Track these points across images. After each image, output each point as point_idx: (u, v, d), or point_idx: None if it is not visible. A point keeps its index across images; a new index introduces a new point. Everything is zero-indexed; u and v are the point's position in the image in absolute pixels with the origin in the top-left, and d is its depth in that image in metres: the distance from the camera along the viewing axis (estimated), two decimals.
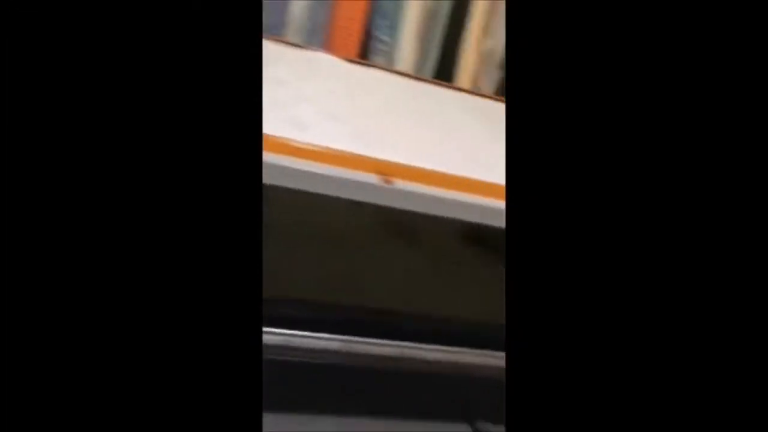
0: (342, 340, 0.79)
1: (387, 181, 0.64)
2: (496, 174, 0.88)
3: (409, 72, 1.60)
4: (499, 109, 1.37)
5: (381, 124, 0.89)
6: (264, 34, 0.48)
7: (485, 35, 1.69)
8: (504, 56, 1.54)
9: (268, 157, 0.54)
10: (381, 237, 1.13)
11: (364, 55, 1.67)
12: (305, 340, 0.77)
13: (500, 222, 0.77)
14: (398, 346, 0.80)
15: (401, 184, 0.64)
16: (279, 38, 1.34)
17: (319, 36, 1.62)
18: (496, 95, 1.56)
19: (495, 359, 0.84)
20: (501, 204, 0.75)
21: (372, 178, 0.64)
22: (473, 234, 1.25)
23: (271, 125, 0.57)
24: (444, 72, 1.69)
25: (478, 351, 0.83)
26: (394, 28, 1.62)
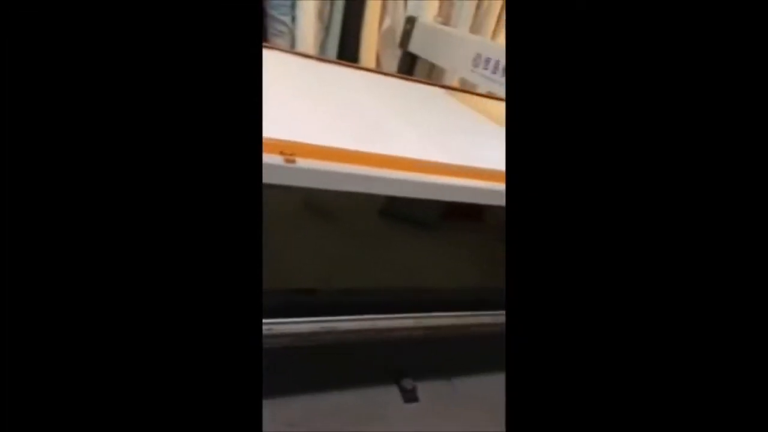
0: (264, 324, 0.78)
1: (289, 161, 0.63)
2: (401, 148, 0.91)
3: (312, 53, 1.57)
4: (400, 86, 1.40)
5: (285, 106, 0.87)
6: None
7: (384, 14, 1.71)
8: (402, 34, 1.56)
9: None
10: (299, 219, 1.12)
11: (264, 37, 1.60)
12: None
13: (410, 193, 0.80)
14: (316, 321, 0.81)
15: (305, 162, 0.64)
16: None
17: None
18: (397, 73, 1.59)
19: (413, 320, 0.88)
20: (409, 176, 0.77)
21: (278, 159, 0.63)
22: (386, 207, 1.28)
23: None
24: (347, 52, 1.68)
25: (397, 315, 0.86)
26: (293, 7, 1.57)
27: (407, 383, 0.89)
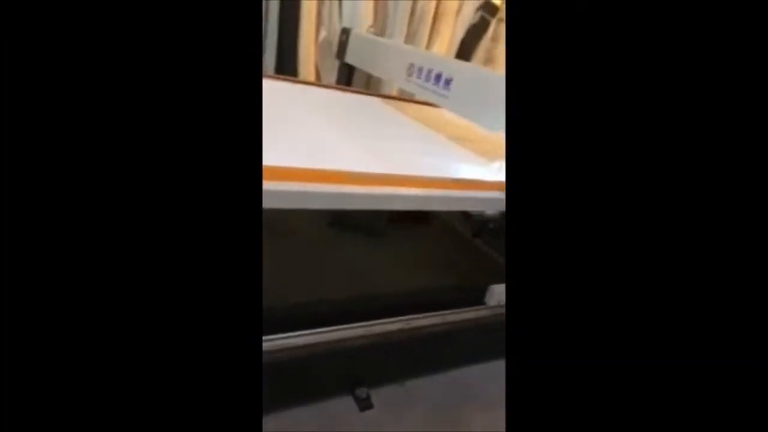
0: None
1: None
2: (341, 162, 0.91)
3: None
4: (339, 98, 1.40)
5: None
6: None
7: (320, 25, 1.71)
8: (338, 45, 1.57)
9: None
10: None
11: None
12: None
13: (354, 205, 0.80)
14: (267, 340, 0.80)
15: None
16: None
17: None
18: (336, 84, 1.60)
19: (363, 329, 0.88)
20: (351, 189, 0.77)
21: None
22: (335, 217, 1.29)
23: None
24: (285, 66, 1.67)
25: (347, 326, 0.87)
26: None
27: (361, 392, 0.89)
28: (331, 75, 1.70)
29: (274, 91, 1.25)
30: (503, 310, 1.04)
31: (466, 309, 1.01)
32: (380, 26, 1.75)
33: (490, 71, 1.60)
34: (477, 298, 1.04)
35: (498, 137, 1.01)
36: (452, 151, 1.16)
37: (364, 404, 0.89)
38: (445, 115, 1.45)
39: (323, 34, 1.69)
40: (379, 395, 0.91)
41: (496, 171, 0.99)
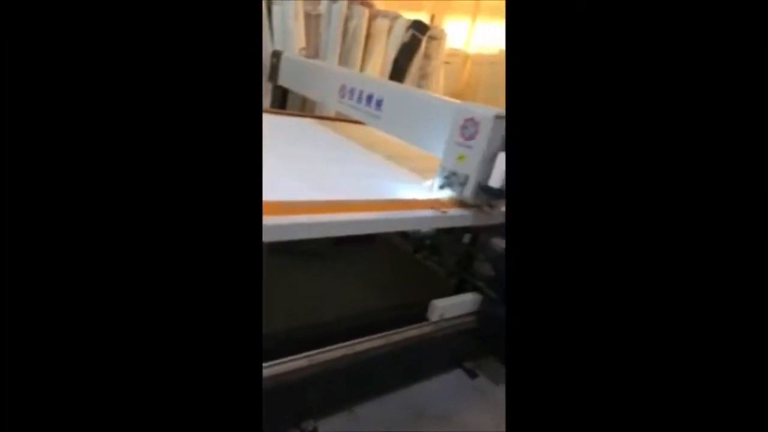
0: None
1: None
2: (283, 191, 0.89)
3: None
4: (273, 121, 1.37)
5: None
6: None
7: None
8: (270, 68, 1.55)
9: None
10: None
11: None
12: None
13: (296, 235, 0.78)
14: None
15: None
16: None
17: None
18: (270, 107, 1.57)
19: (306, 360, 0.85)
20: (292, 219, 0.75)
21: None
22: (278, 246, 1.25)
23: None
24: None
25: (288, 358, 0.84)
26: None
27: (308, 425, 0.86)
28: (265, 98, 1.67)
29: None
30: (446, 325, 1.04)
31: (410, 327, 1.00)
32: (313, 48, 1.74)
33: (420, 91, 1.63)
34: (420, 314, 1.04)
35: (431, 154, 1.03)
36: (387, 172, 1.16)
37: None
38: (380, 133, 1.46)
39: None
40: (328, 425, 0.88)
41: (428, 189, 1.00)
